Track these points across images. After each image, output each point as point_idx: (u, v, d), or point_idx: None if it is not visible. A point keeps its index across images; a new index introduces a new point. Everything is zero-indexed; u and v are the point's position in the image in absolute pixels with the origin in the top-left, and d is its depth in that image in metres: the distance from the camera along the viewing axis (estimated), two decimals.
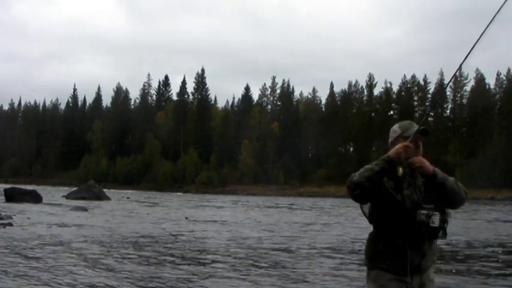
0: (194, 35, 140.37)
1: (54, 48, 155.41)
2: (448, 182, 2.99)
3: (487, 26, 2.99)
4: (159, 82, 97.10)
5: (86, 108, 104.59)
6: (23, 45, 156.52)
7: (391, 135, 3.20)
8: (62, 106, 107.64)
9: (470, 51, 3.04)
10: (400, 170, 2.96)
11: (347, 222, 20.09)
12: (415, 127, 3.09)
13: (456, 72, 3.38)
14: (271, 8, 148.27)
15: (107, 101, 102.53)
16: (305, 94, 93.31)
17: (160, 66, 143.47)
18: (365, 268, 3.19)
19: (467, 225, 18.48)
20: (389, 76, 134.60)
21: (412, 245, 3.00)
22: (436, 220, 2.92)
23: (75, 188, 40.04)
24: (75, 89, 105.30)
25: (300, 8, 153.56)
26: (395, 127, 3.21)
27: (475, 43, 3.02)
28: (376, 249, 3.09)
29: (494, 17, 3.01)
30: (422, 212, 2.91)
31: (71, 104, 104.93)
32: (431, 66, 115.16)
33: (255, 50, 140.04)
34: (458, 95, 77.66)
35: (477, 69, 76.86)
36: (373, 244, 3.12)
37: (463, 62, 3.14)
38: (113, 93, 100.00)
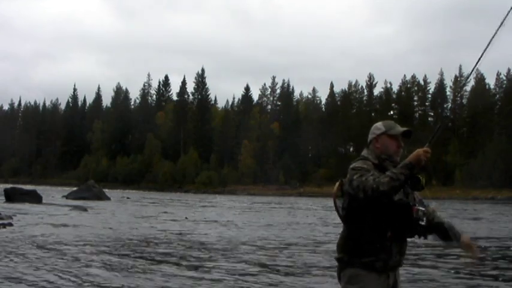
0: (194, 35, 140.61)
1: (48, 47, 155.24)
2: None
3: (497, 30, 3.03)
4: (159, 82, 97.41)
5: (86, 108, 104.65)
6: (14, 44, 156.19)
7: (374, 131, 3.17)
8: (62, 106, 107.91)
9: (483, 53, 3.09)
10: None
11: None
12: (398, 127, 3.13)
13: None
14: (269, 8, 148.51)
15: (107, 101, 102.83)
16: (305, 94, 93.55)
17: (159, 66, 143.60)
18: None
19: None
20: (389, 76, 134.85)
21: (395, 241, 2.95)
22: (425, 219, 2.92)
23: (75, 188, 39.99)
24: (75, 89, 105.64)
25: (295, 7, 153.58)
26: (379, 125, 3.20)
27: (487, 45, 3.07)
28: (359, 242, 2.94)
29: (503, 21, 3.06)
30: (420, 208, 2.89)
31: (71, 104, 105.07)
32: (429, 63, 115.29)
33: (255, 50, 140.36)
34: (458, 95, 77.68)
35: (477, 69, 76.76)
36: (355, 237, 2.96)
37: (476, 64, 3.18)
38: (113, 93, 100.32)
